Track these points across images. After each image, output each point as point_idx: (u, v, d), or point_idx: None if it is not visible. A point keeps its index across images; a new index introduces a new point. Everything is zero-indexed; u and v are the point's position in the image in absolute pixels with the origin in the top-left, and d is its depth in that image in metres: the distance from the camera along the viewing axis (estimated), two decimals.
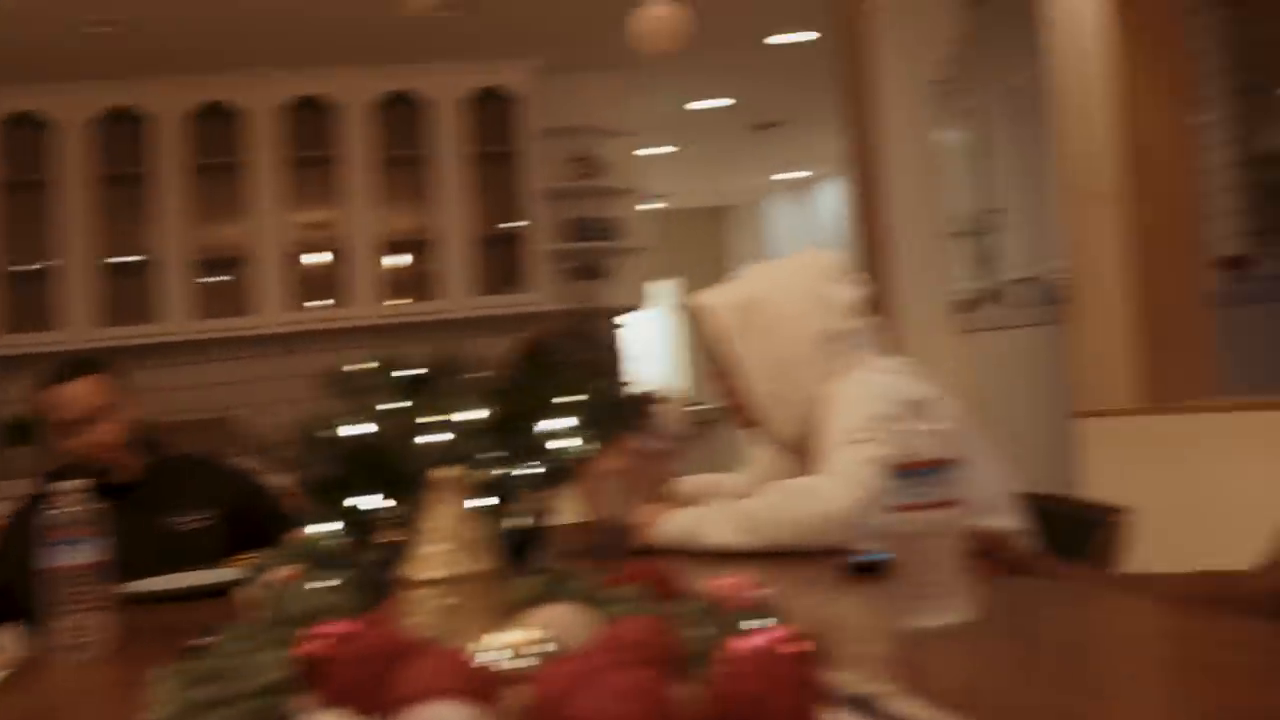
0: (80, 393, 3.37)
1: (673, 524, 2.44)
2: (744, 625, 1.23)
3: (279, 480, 3.78)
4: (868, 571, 1.95)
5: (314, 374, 5.67)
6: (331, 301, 7.38)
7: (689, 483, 3.00)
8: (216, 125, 7.21)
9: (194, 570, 2.85)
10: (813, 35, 7.70)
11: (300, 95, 7.27)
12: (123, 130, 7.12)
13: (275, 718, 1.25)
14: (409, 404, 1.62)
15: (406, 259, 7.57)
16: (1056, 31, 4.92)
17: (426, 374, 1.67)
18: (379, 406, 1.63)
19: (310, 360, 7.40)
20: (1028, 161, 9.01)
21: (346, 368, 1.68)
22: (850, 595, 1.88)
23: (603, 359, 1.71)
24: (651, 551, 2.42)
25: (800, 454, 2.74)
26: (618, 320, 7.85)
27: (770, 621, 1.22)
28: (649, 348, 11.02)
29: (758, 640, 1.03)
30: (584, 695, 0.92)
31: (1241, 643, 1.42)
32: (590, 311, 2.10)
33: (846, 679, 1.26)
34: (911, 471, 1.52)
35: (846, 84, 6.34)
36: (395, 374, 1.66)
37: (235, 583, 2.50)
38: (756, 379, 2.68)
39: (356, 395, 1.67)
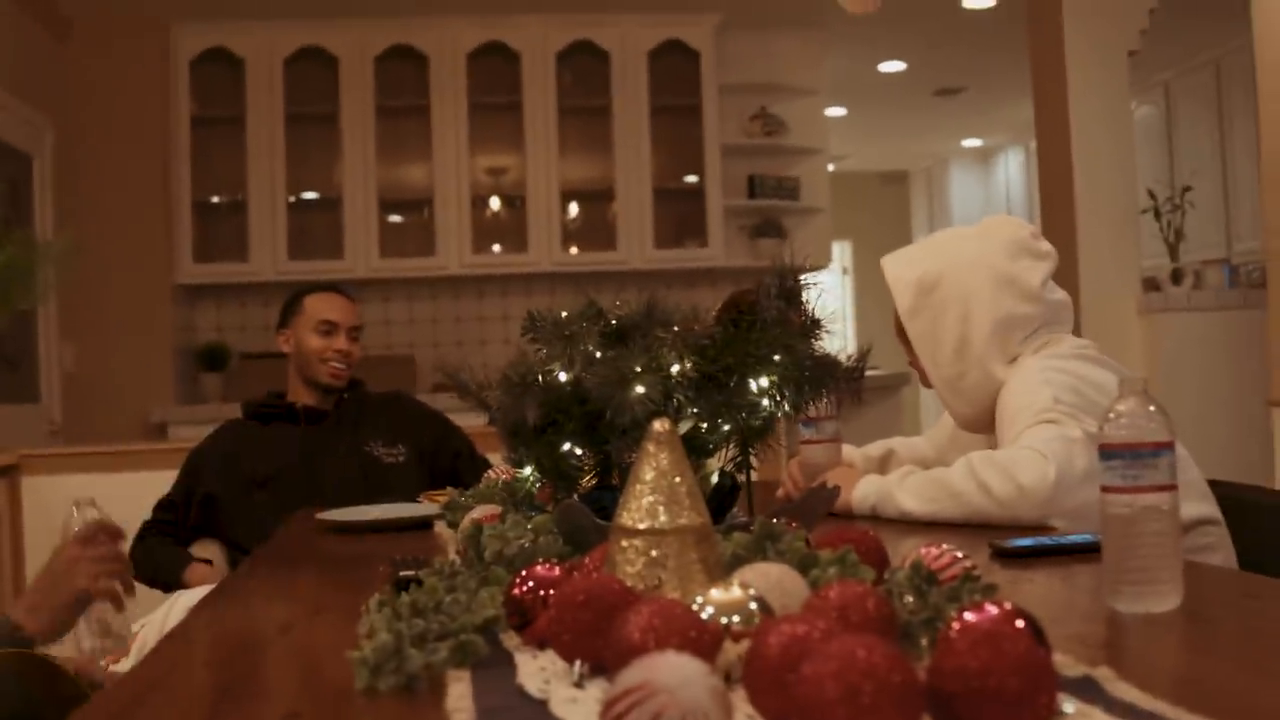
0: (341, 301, 3.69)
1: (862, 489, 2.42)
2: (963, 599, 1.21)
3: (464, 420, 3.89)
4: (1013, 558, 1.91)
5: (492, 317, 5.84)
6: (499, 248, 7.46)
7: (871, 447, 2.97)
8: (404, 68, 7.30)
9: (390, 503, 2.92)
10: (991, 2, 7.55)
11: (486, 41, 7.31)
12: (312, 70, 7.24)
13: (483, 655, 1.26)
14: (618, 353, 1.62)
15: (586, 208, 7.60)
16: (1263, 3, 4.75)
17: (634, 323, 1.67)
18: (590, 353, 1.63)
19: (489, 304, 7.52)
20: (1217, 139, 8.78)
21: (562, 313, 1.68)
22: (1051, 575, 1.84)
23: (807, 319, 1.69)
24: (838, 516, 2.41)
25: (980, 432, 2.70)
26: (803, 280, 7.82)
27: (988, 597, 1.20)
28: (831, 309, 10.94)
29: (986, 615, 1.02)
30: (818, 660, 0.90)
31: None
32: (796, 270, 2.08)
33: (1061, 661, 1.23)
34: (1128, 453, 1.48)
35: (1037, 51, 6.20)
36: (604, 322, 1.66)
37: (433, 517, 2.56)
38: (931, 361, 2.65)
39: (563, 340, 1.67)
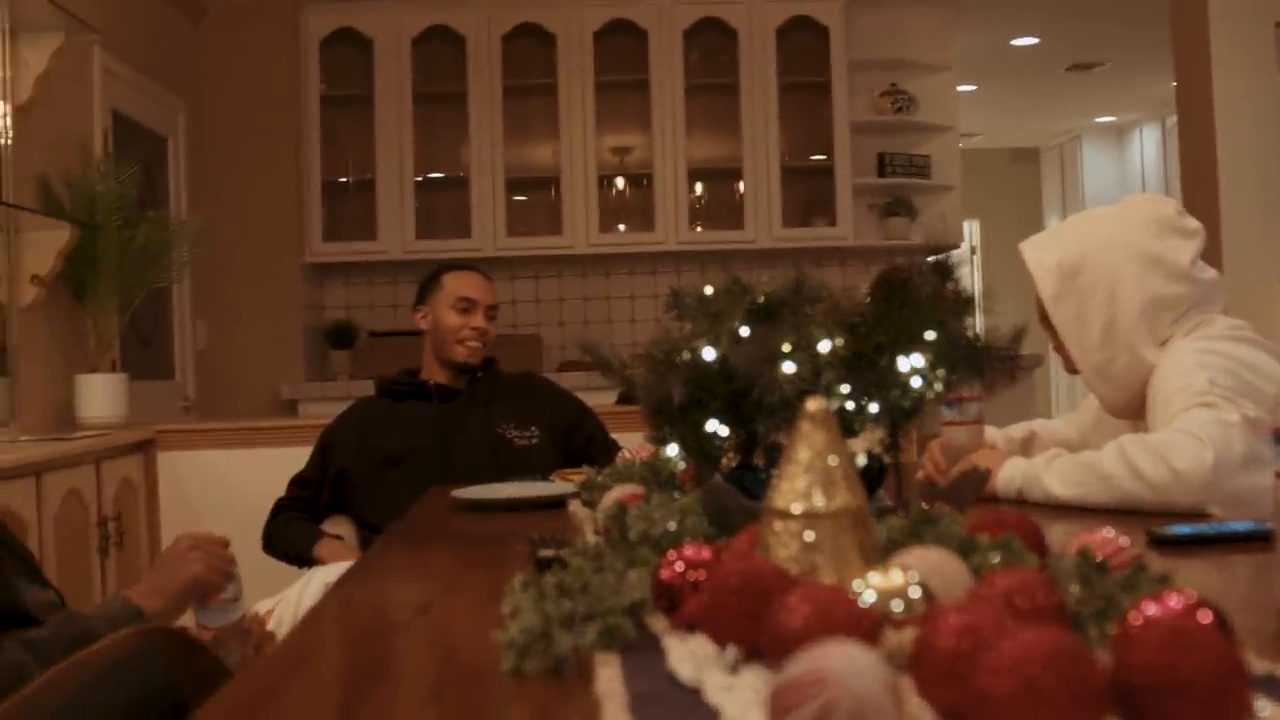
0: (480, 280, 3.71)
1: (1008, 471, 2.35)
2: (1139, 589, 1.15)
3: (591, 400, 3.88)
4: (1170, 545, 1.83)
5: (619, 296, 5.82)
6: (625, 227, 7.44)
7: (1013, 429, 2.90)
8: (531, 47, 7.30)
9: (523, 481, 2.91)
10: None
11: (613, 19, 7.27)
12: (440, 49, 7.26)
13: (631, 637, 1.23)
14: (766, 330, 1.57)
15: (713, 187, 7.53)
16: None
17: (782, 300, 1.62)
18: (736, 330, 1.59)
19: (615, 283, 7.50)
20: None
21: (705, 288, 1.64)
22: (1209, 564, 1.77)
23: (960, 299, 1.63)
24: (982, 500, 2.34)
25: (1129, 418, 2.62)
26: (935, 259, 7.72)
27: (1166, 586, 1.14)
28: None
29: (1170, 606, 0.96)
30: (996, 652, 0.86)
31: None
32: (948, 246, 2.05)
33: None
34: None
35: (1179, 23, 6.02)
36: (751, 299, 1.62)
37: (568, 496, 2.54)
38: (1078, 347, 2.57)
39: (710, 318, 1.63)
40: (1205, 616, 0.96)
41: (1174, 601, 0.97)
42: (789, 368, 1.54)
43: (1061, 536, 1.47)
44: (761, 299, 1.64)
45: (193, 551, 2.22)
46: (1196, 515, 2.11)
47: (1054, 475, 2.28)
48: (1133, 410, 2.59)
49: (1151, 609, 0.96)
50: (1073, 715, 0.84)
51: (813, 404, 1.25)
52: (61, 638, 1.83)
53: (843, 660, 0.84)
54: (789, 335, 1.55)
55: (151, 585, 2.18)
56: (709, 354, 1.60)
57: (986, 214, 12.64)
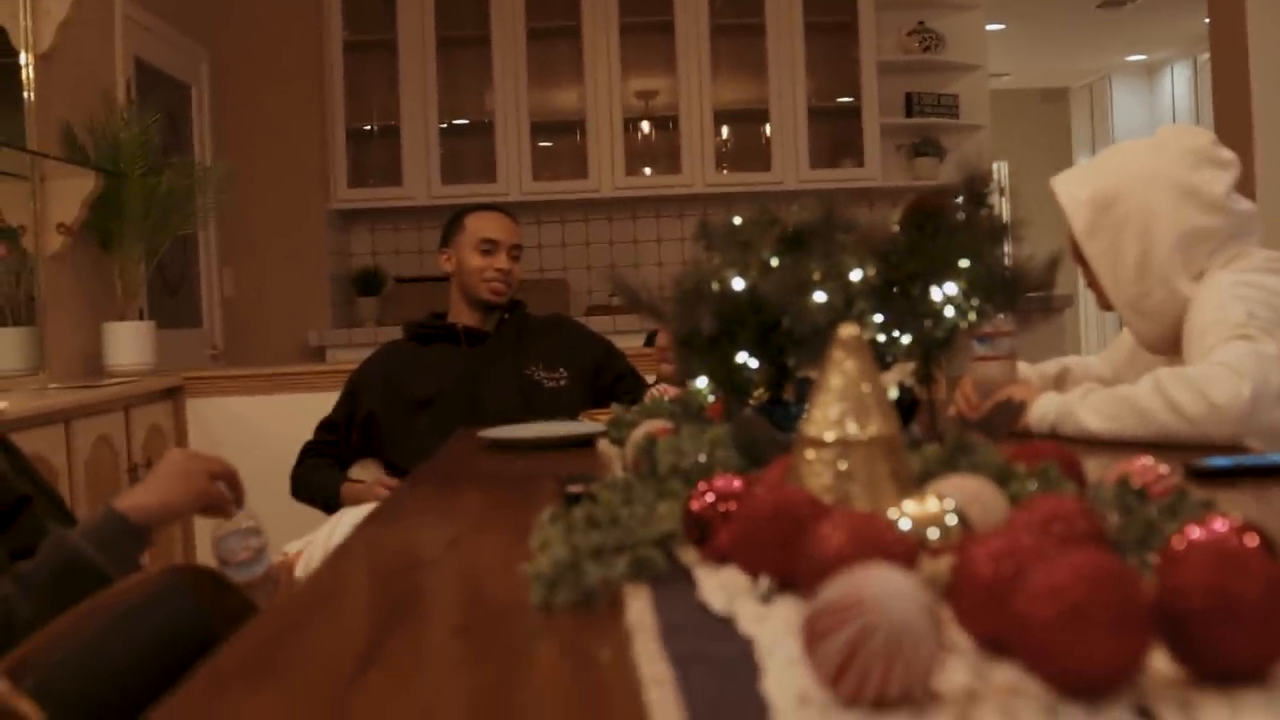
0: (502, 220, 3.68)
1: (1041, 406, 2.32)
2: (1181, 516, 1.13)
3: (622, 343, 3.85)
4: (1208, 478, 1.80)
5: (645, 239, 5.76)
6: (651, 170, 7.38)
7: (1045, 365, 2.87)
8: None
9: (551, 421, 2.89)
10: None
11: None
12: None
13: (661, 569, 1.21)
14: (796, 259, 1.54)
15: (739, 129, 7.47)
16: None
17: (813, 229, 1.59)
18: (766, 260, 1.56)
19: (642, 226, 7.46)
20: None
21: (733, 218, 1.61)
22: (1247, 496, 1.74)
23: (995, 225, 1.60)
24: (1015, 435, 2.31)
25: (1165, 353, 2.59)
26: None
27: (1208, 512, 1.11)
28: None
29: (1215, 530, 0.93)
30: (1037, 577, 0.83)
31: None
32: (983, 173, 2.01)
33: None
34: None
35: None
36: (781, 228, 1.58)
37: (597, 435, 2.52)
38: (1112, 282, 2.53)
39: (739, 248, 1.60)
40: (1252, 539, 0.93)
41: (1219, 525, 0.95)
42: (820, 297, 1.51)
43: (1098, 469, 1.44)
44: (792, 228, 1.61)
45: (196, 463, 2.11)
46: (1234, 448, 2.09)
47: (1088, 409, 2.25)
48: (1168, 345, 2.55)
49: (1196, 533, 0.94)
50: (1117, 640, 0.81)
51: (846, 330, 1.23)
52: (46, 565, 1.80)
53: (880, 584, 0.81)
54: (820, 264, 1.52)
55: (146, 493, 2.05)
56: (738, 284, 1.57)
57: (1015, 155, 12.52)
